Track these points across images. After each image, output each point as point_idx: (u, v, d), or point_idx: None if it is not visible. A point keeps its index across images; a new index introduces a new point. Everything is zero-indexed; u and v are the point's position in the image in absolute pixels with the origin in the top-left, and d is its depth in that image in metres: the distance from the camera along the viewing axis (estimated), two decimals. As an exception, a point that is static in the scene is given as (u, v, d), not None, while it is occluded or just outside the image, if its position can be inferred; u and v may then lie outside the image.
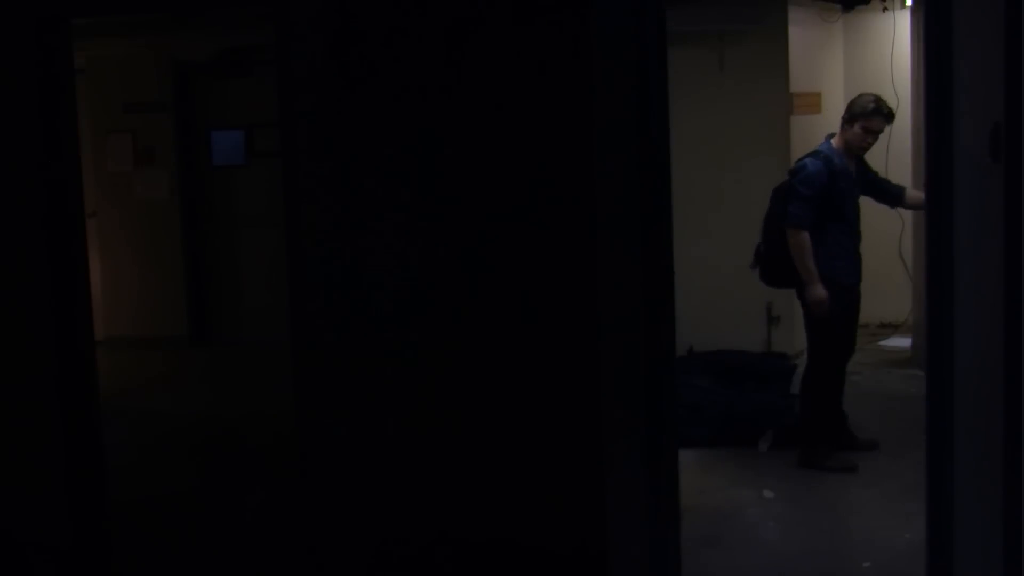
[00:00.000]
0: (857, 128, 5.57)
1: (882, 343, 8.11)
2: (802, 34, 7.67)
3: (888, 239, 7.97)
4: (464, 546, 3.92)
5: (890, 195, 5.90)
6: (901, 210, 7.69)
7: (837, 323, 5.54)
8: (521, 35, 3.74)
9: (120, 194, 9.30)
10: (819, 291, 5.43)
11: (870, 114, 5.54)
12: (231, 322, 9.35)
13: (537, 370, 3.82)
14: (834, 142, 5.66)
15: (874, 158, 7.99)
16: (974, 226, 3.09)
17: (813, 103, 7.81)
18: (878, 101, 5.59)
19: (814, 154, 5.64)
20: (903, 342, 7.81)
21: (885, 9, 8.02)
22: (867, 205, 8.22)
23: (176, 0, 5.09)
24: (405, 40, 3.81)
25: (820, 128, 7.83)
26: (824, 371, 5.65)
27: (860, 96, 5.70)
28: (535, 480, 3.85)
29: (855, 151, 5.62)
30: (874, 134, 5.59)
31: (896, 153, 7.70)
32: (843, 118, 5.65)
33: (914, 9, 7.44)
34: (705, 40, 7.37)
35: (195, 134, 9.36)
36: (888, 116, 5.59)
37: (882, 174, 7.87)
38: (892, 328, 8.27)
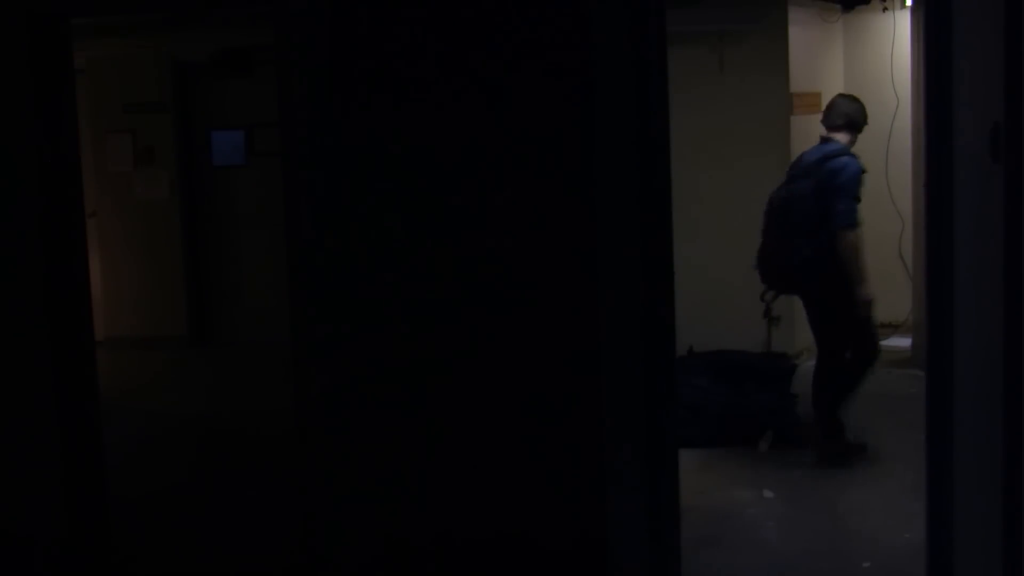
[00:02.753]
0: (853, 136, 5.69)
1: (882, 343, 8.09)
2: (802, 34, 7.67)
3: (888, 239, 7.98)
4: (465, 545, 3.92)
5: None
6: (901, 210, 7.72)
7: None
8: (522, 34, 3.74)
9: (120, 194, 9.30)
10: (868, 290, 5.46)
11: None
12: (231, 322, 9.35)
13: (538, 369, 3.82)
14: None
15: (875, 159, 8.02)
16: (974, 226, 3.09)
17: (813, 103, 7.80)
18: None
19: (846, 152, 5.61)
20: (903, 342, 7.80)
21: (885, 9, 8.02)
22: (865, 204, 8.24)
23: (176, 0, 5.09)
24: (405, 39, 3.81)
25: (820, 128, 7.85)
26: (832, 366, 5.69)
27: (856, 102, 5.77)
28: (536, 479, 3.85)
29: None
30: None
31: (896, 153, 7.71)
32: (847, 125, 5.68)
33: (914, 9, 7.44)
34: (705, 40, 7.37)
35: (195, 134, 9.36)
36: None
37: (882, 174, 7.92)
38: (892, 328, 8.27)
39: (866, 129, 8.22)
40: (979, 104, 2.99)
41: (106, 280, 9.28)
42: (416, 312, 3.88)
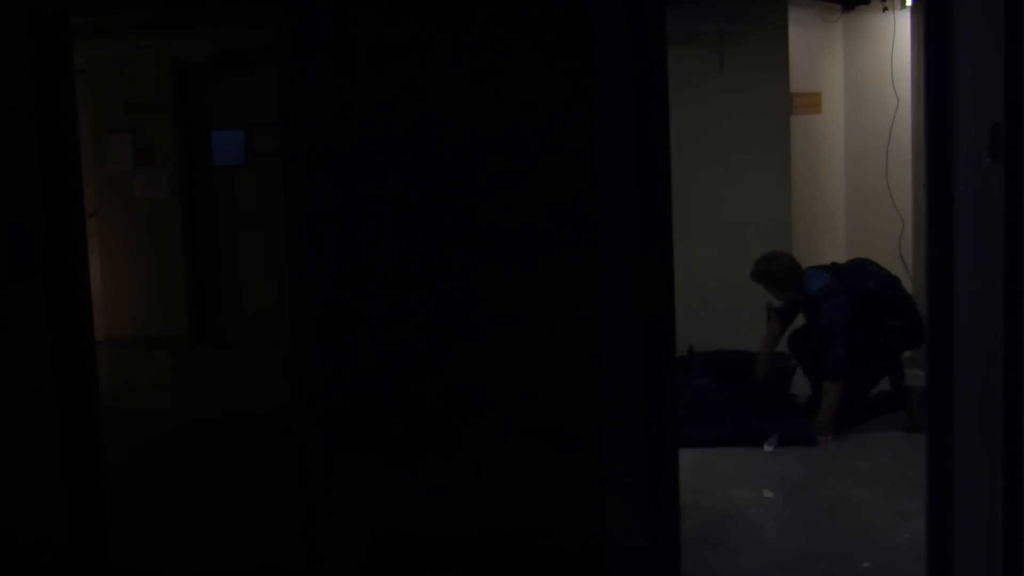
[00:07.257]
0: None
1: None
2: (802, 34, 7.67)
3: (888, 239, 7.97)
4: (464, 544, 3.92)
5: None
6: (901, 210, 7.72)
7: None
8: (522, 34, 3.74)
9: (120, 194, 9.30)
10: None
11: None
12: (231, 322, 9.36)
13: (538, 369, 3.82)
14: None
15: (874, 158, 8.03)
16: (974, 226, 3.09)
17: (813, 103, 7.81)
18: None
19: (832, 292, 6.09)
20: (903, 342, 7.79)
21: (885, 9, 8.02)
22: (865, 204, 8.23)
23: (176, 0, 5.09)
24: (405, 38, 3.81)
25: (820, 128, 7.86)
26: None
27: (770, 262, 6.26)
28: (536, 478, 3.85)
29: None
30: None
31: (896, 153, 7.71)
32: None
33: (914, 9, 7.44)
34: (705, 40, 7.37)
35: (195, 134, 9.36)
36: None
37: (882, 174, 7.92)
38: (892, 328, 8.24)
39: (866, 129, 8.20)
40: (979, 104, 2.99)
41: (106, 280, 9.28)
42: (417, 310, 3.88)
